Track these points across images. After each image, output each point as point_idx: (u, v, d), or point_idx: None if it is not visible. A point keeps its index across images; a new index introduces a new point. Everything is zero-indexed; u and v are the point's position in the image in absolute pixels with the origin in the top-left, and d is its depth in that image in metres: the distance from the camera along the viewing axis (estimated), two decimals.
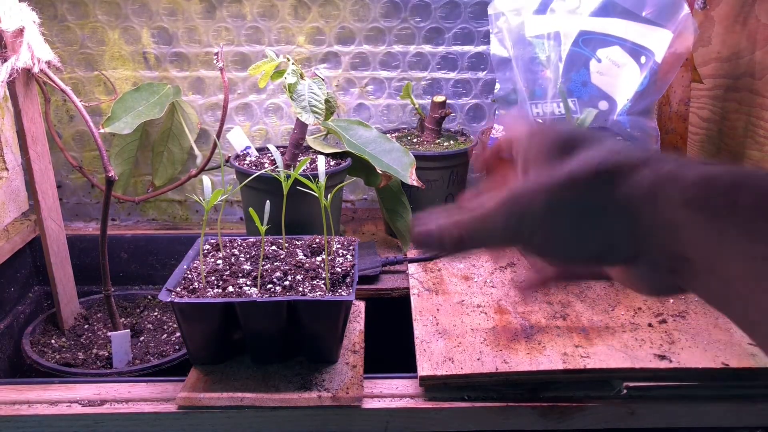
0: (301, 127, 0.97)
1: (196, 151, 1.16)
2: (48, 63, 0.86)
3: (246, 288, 0.74)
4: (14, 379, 0.88)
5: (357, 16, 1.19)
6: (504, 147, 0.44)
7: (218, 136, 1.08)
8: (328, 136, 1.12)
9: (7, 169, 1.10)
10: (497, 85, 1.05)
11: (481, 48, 1.22)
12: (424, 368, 0.73)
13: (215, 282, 0.76)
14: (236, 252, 0.84)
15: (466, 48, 1.22)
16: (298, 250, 0.84)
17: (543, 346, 0.77)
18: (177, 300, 0.71)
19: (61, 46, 1.16)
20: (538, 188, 0.36)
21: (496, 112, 1.13)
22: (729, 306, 0.33)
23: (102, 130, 1.02)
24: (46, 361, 0.89)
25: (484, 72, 1.24)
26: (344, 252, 0.83)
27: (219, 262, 0.81)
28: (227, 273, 0.77)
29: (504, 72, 1.02)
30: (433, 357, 0.75)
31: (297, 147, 0.99)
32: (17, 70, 0.82)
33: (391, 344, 0.94)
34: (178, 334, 0.98)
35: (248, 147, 1.04)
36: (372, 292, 0.95)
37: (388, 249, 1.07)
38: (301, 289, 0.74)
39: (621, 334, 0.79)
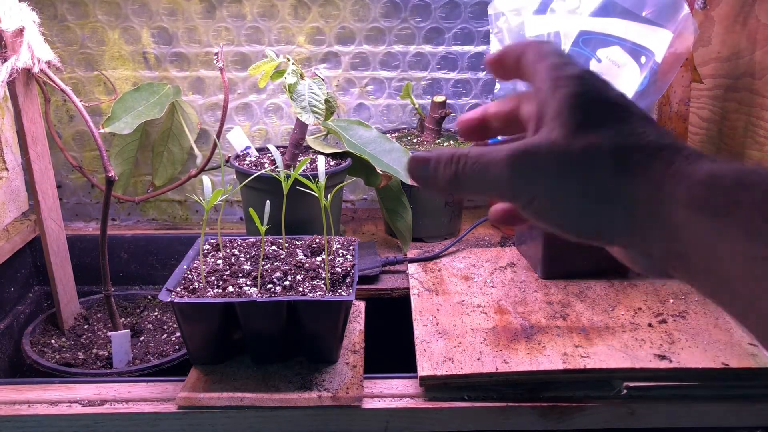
0: (301, 127, 0.97)
1: (196, 151, 1.16)
2: (48, 63, 0.86)
3: (246, 288, 0.74)
4: (14, 379, 0.88)
5: (357, 16, 1.19)
6: (506, 68, 0.41)
7: (218, 136, 1.08)
8: (328, 136, 1.12)
9: (7, 169, 1.10)
10: (497, 85, 1.05)
11: (481, 48, 1.22)
12: (424, 368, 0.73)
13: (215, 282, 0.76)
14: (236, 252, 0.84)
15: (466, 48, 1.22)
16: (298, 250, 0.84)
17: (543, 346, 0.77)
18: (177, 300, 0.71)
19: (61, 46, 1.16)
20: (552, 152, 0.35)
21: None
22: (725, 302, 0.33)
23: (102, 130, 1.02)
24: (46, 361, 0.89)
25: (484, 72, 1.24)
26: (344, 252, 0.83)
27: (219, 262, 0.81)
28: (227, 273, 0.77)
29: None
30: (433, 357, 0.75)
31: (297, 147, 0.99)
32: (17, 70, 0.82)
33: (391, 344, 0.94)
34: (178, 334, 0.98)
35: (248, 147, 1.04)
36: (372, 292, 0.95)
37: (388, 249, 1.07)
38: (301, 289, 0.74)
39: (621, 334, 0.79)
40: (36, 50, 0.83)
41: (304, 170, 0.89)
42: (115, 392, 0.73)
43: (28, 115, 0.88)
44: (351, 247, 0.84)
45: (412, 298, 0.89)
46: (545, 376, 0.73)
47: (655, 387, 0.73)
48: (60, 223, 0.96)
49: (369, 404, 0.71)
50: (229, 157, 1.02)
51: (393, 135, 1.18)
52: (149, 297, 1.09)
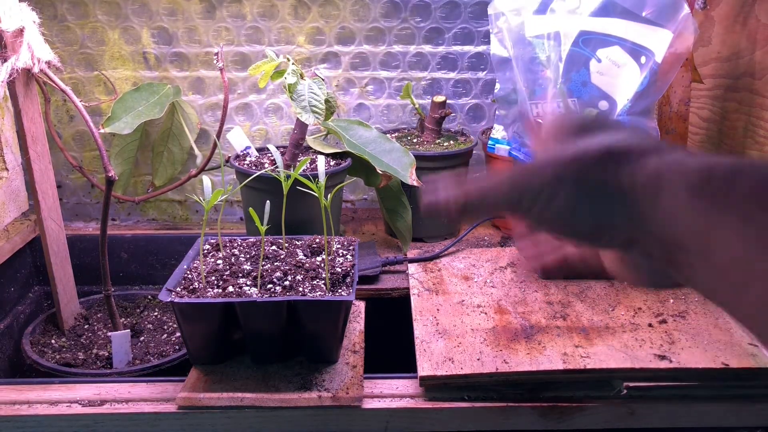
0: (301, 127, 0.97)
1: (196, 151, 1.16)
2: (48, 63, 0.86)
3: (246, 288, 0.74)
4: (14, 379, 0.88)
5: (357, 16, 1.19)
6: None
7: (218, 136, 1.08)
8: (328, 136, 1.12)
9: (7, 169, 1.10)
10: (497, 85, 1.05)
11: (481, 48, 1.22)
12: (424, 368, 0.73)
13: (215, 282, 0.76)
14: (236, 252, 0.84)
15: (466, 48, 1.22)
16: (298, 250, 0.84)
17: (543, 346, 0.77)
18: (177, 300, 0.71)
19: (61, 46, 1.16)
20: (545, 162, 0.37)
21: (496, 112, 1.13)
22: (723, 297, 0.34)
23: (102, 130, 1.02)
24: (46, 361, 0.89)
25: (484, 72, 1.24)
26: (344, 252, 0.83)
27: (219, 262, 0.81)
28: (227, 273, 0.77)
29: (504, 72, 1.02)
30: (433, 357, 0.75)
31: (297, 147, 0.99)
32: (17, 70, 0.82)
33: (391, 344, 0.94)
34: (178, 334, 0.98)
35: (248, 147, 1.04)
36: (372, 292, 0.95)
37: (388, 249, 1.07)
38: (301, 289, 0.74)
39: (621, 334, 0.79)
40: (36, 50, 0.83)
41: (304, 170, 0.89)
42: (115, 392, 0.73)
43: (28, 115, 0.88)
44: (351, 247, 0.84)
45: (412, 298, 0.89)
46: (545, 376, 0.73)
47: (655, 387, 0.73)
48: (60, 223, 0.96)
49: (369, 404, 0.71)
50: (229, 157, 1.02)
51: (393, 135, 1.18)
52: (149, 297, 1.09)
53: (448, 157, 1.08)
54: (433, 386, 0.73)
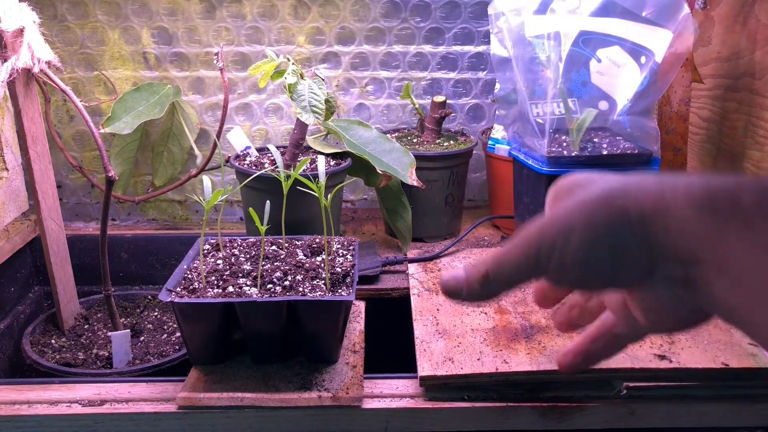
0: (301, 127, 0.97)
1: (196, 151, 1.16)
2: (48, 63, 0.86)
3: (246, 288, 0.74)
4: (14, 379, 0.88)
5: (357, 16, 1.19)
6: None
7: (218, 136, 1.08)
8: (328, 136, 1.12)
9: (7, 169, 1.10)
10: (497, 85, 1.04)
11: (481, 48, 1.22)
12: (424, 368, 0.73)
13: (215, 282, 0.76)
14: (236, 252, 0.84)
15: (466, 48, 1.22)
16: (298, 250, 0.84)
17: (543, 346, 0.77)
18: (177, 300, 0.71)
19: (61, 46, 1.16)
20: (553, 217, 0.38)
21: (496, 112, 1.13)
22: (742, 317, 0.34)
23: (102, 130, 1.02)
24: (46, 361, 0.89)
25: (484, 72, 1.24)
26: (344, 252, 0.83)
27: (219, 262, 0.81)
28: (227, 273, 0.77)
29: (504, 72, 1.02)
30: (433, 357, 0.75)
31: (297, 147, 0.99)
32: (17, 70, 0.82)
33: (391, 344, 0.94)
34: (178, 334, 0.98)
35: (248, 147, 1.04)
36: (372, 292, 0.95)
37: (388, 249, 1.07)
38: (301, 289, 0.74)
39: None
40: (36, 50, 0.83)
41: (304, 170, 0.89)
42: (115, 392, 0.73)
43: (28, 115, 0.88)
44: (351, 247, 0.84)
45: (412, 298, 0.89)
46: (545, 376, 0.73)
47: (655, 387, 0.73)
48: (60, 223, 0.96)
49: (369, 404, 0.71)
50: (229, 157, 1.02)
51: (393, 135, 1.18)
52: (149, 297, 1.09)
53: (448, 157, 1.08)
54: (433, 386, 0.73)
